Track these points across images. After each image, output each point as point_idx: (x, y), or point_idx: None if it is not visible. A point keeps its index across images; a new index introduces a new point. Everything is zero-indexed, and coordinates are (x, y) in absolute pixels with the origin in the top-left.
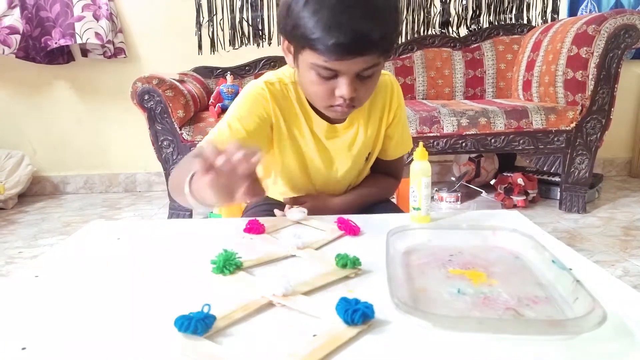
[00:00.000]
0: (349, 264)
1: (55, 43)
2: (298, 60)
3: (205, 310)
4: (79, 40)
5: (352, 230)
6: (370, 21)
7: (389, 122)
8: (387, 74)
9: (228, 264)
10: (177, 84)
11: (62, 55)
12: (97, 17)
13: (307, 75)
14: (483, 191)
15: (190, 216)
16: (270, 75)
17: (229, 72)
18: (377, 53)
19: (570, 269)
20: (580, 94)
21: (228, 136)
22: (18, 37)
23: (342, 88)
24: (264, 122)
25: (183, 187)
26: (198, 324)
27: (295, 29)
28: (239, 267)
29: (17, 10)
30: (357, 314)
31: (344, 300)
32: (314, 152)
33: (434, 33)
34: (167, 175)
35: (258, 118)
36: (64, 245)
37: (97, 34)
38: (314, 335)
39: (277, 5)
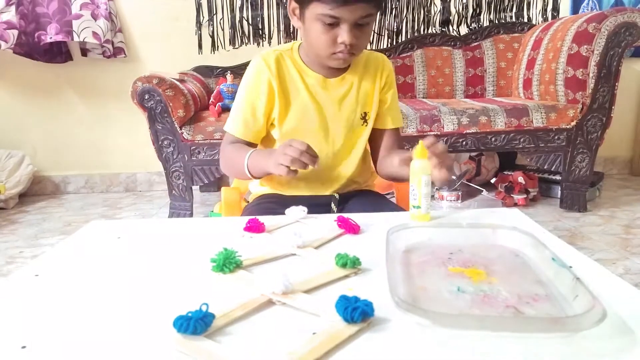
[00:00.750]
0: (349, 264)
1: (50, 38)
2: (304, 16)
3: (204, 309)
4: (76, 38)
5: (352, 229)
6: None
7: (381, 85)
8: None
9: (228, 263)
10: (177, 83)
11: (61, 54)
12: (95, 17)
13: (313, 28)
14: (484, 190)
15: (191, 215)
16: (267, 49)
17: (229, 72)
18: (373, 2)
19: (570, 267)
20: (580, 92)
21: (244, 123)
22: (16, 32)
23: (344, 35)
24: (267, 93)
25: (242, 163)
26: (197, 324)
27: None
28: (238, 265)
29: (13, 8)
30: (357, 311)
31: (343, 298)
32: (307, 102)
33: (434, 32)
34: (167, 175)
35: (261, 93)
36: (64, 245)
37: (94, 33)
38: (314, 333)
39: (277, 4)
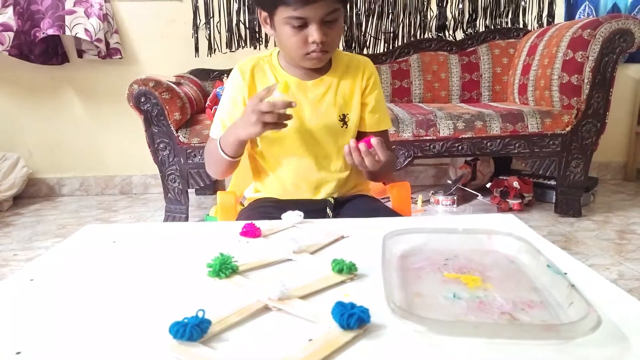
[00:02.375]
0: (345, 270)
1: (43, 33)
2: (274, 22)
3: (200, 315)
4: (67, 32)
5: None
6: None
7: (362, 87)
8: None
9: (224, 268)
10: (174, 86)
11: (57, 56)
12: (88, 14)
13: (283, 32)
14: (479, 194)
15: (187, 219)
16: (247, 58)
17: (225, 75)
18: None
19: (565, 274)
20: (575, 98)
21: (223, 127)
22: (11, 34)
23: (314, 34)
24: (242, 101)
25: (215, 146)
26: (193, 330)
27: None
28: (234, 270)
29: (10, 9)
30: (353, 318)
31: (339, 305)
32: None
33: (430, 37)
34: (163, 178)
35: (240, 102)
36: (59, 249)
37: (86, 30)
38: (310, 340)
39: None
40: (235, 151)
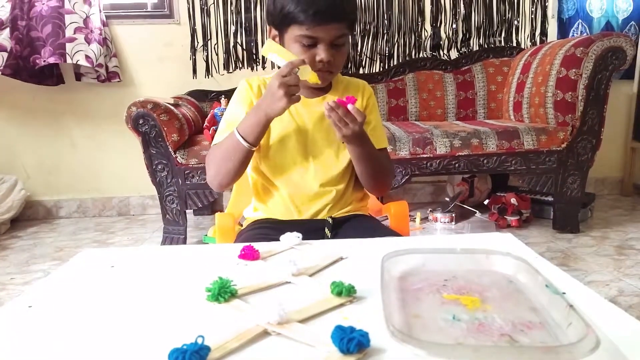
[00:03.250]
0: (344, 292)
1: (44, 61)
2: (284, 40)
3: (199, 341)
4: (68, 61)
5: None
6: None
7: (362, 106)
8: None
9: (223, 292)
10: (172, 108)
11: (52, 77)
12: (88, 41)
13: (292, 49)
14: (477, 211)
15: (185, 240)
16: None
17: (223, 96)
18: (346, 23)
19: (564, 293)
20: (570, 115)
21: (229, 131)
22: (5, 54)
23: (322, 53)
24: (251, 107)
25: (231, 139)
26: (192, 357)
27: (281, 11)
28: (233, 294)
29: (6, 31)
30: (353, 342)
31: (339, 329)
32: (288, 120)
33: (425, 56)
34: (161, 199)
35: (247, 107)
36: (57, 274)
37: (87, 57)
38: None
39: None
40: (257, 136)
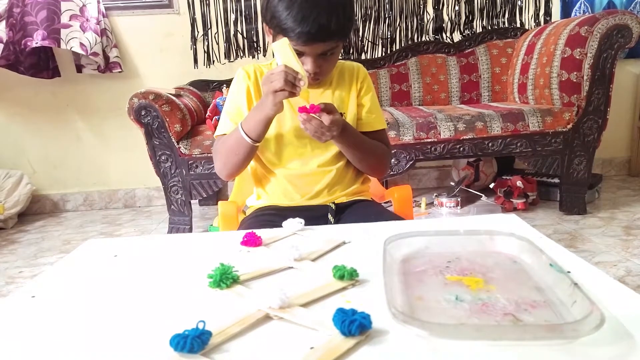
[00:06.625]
0: (346, 276)
1: (36, 43)
2: (276, 38)
3: (200, 326)
4: (62, 46)
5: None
6: (330, 15)
7: (358, 89)
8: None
9: (225, 278)
10: (174, 98)
11: (47, 70)
12: (83, 29)
13: None
14: (483, 195)
15: (190, 230)
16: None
17: (225, 85)
18: (335, 39)
19: (569, 272)
20: (575, 95)
21: (232, 121)
22: (1, 45)
23: (308, 65)
24: (246, 98)
25: (236, 136)
26: (194, 342)
27: (272, 19)
28: (235, 280)
29: (3, 23)
30: (354, 324)
31: (340, 311)
32: (286, 108)
33: (428, 39)
34: (166, 190)
35: (243, 98)
36: (61, 265)
37: (81, 44)
38: (311, 348)
39: None
40: (260, 133)
